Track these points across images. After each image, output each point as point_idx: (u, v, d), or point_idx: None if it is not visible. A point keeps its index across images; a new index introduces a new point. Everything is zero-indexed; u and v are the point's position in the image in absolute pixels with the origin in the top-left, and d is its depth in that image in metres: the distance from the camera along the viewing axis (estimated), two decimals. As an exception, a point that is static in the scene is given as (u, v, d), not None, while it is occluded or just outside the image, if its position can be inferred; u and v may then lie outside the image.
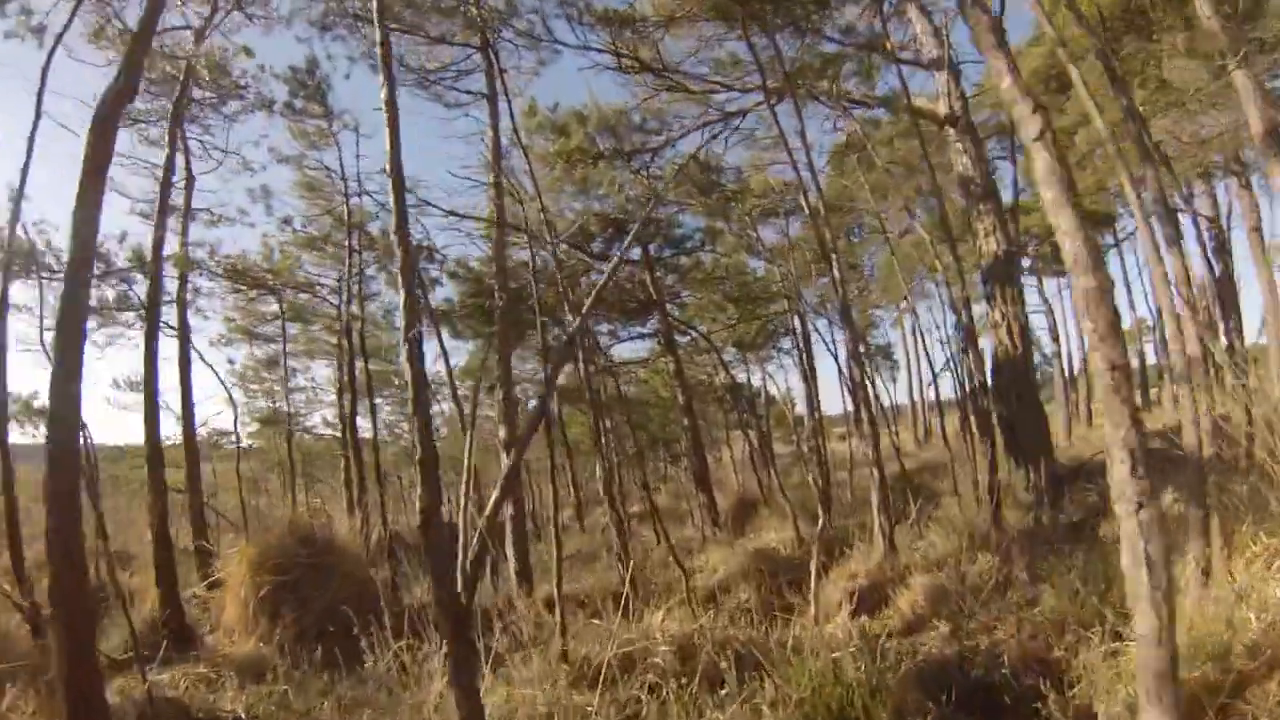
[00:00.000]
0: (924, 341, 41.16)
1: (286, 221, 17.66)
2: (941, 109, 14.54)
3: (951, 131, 14.42)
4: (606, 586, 11.23)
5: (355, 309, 17.27)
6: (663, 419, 26.74)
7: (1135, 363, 39.23)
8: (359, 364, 17.01)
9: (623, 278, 19.27)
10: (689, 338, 21.61)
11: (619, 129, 16.32)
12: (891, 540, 9.41)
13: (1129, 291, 36.68)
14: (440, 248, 17.46)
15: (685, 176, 16.55)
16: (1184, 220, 35.23)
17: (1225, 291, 32.43)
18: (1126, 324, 36.82)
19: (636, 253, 18.89)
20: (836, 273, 11.24)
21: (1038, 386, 14.37)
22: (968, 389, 14.44)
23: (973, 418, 13.51)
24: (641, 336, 20.98)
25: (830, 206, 19.58)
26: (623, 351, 23.51)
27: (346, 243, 16.53)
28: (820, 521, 10.66)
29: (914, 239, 34.24)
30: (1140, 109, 23.52)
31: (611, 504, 10.96)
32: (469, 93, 14.69)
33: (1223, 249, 32.25)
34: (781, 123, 12.56)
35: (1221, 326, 33.66)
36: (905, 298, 42.83)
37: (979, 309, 17.20)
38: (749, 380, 30.69)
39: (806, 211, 13.07)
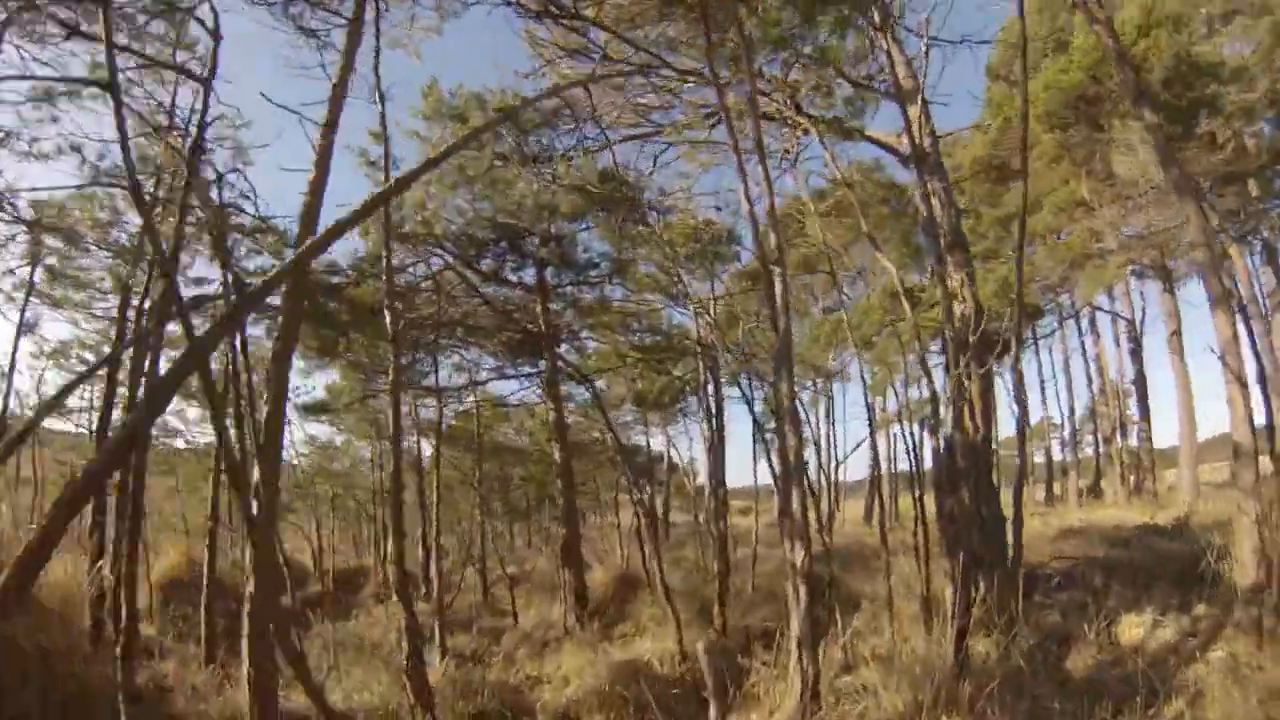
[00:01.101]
0: (832, 420, 39.65)
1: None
2: (905, 145, 12.54)
3: (914, 171, 12.28)
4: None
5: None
6: (544, 474, 23.39)
7: (1041, 459, 38.40)
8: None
9: (511, 304, 16.23)
10: (584, 388, 18.62)
11: (525, 121, 13.54)
12: (815, 688, 6.35)
13: (1042, 390, 35.61)
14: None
15: (594, 187, 13.71)
16: (1103, 319, 35.56)
17: (1139, 392, 32.36)
18: (1035, 419, 36.00)
19: (531, 275, 15.93)
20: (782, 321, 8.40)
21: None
22: (912, 473, 11.86)
23: (916, 507, 10.96)
24: (529, 376, 17.75)
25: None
26: (507, 390, 20.16)
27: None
28: (708, 639, 7.57)
29: (834, 317, 33.03)
30: (1087, 197, 22.81)
31: (400, 588, 7.55)
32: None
33: (1138, 351, 32.07)
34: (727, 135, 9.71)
35: (1134, 428, 33.41)
36: (826, 376, 42.00)
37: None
38: (648, 443, 27.68)
39: (748, 248, 10.41)
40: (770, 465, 15.59)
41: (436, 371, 15.70)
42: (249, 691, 7.39)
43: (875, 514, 31.35)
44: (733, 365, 15.64)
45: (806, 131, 13.59)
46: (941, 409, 12.30)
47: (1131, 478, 31.02)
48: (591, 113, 12.91)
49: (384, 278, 8.64)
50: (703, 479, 25.05)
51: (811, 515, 13.10)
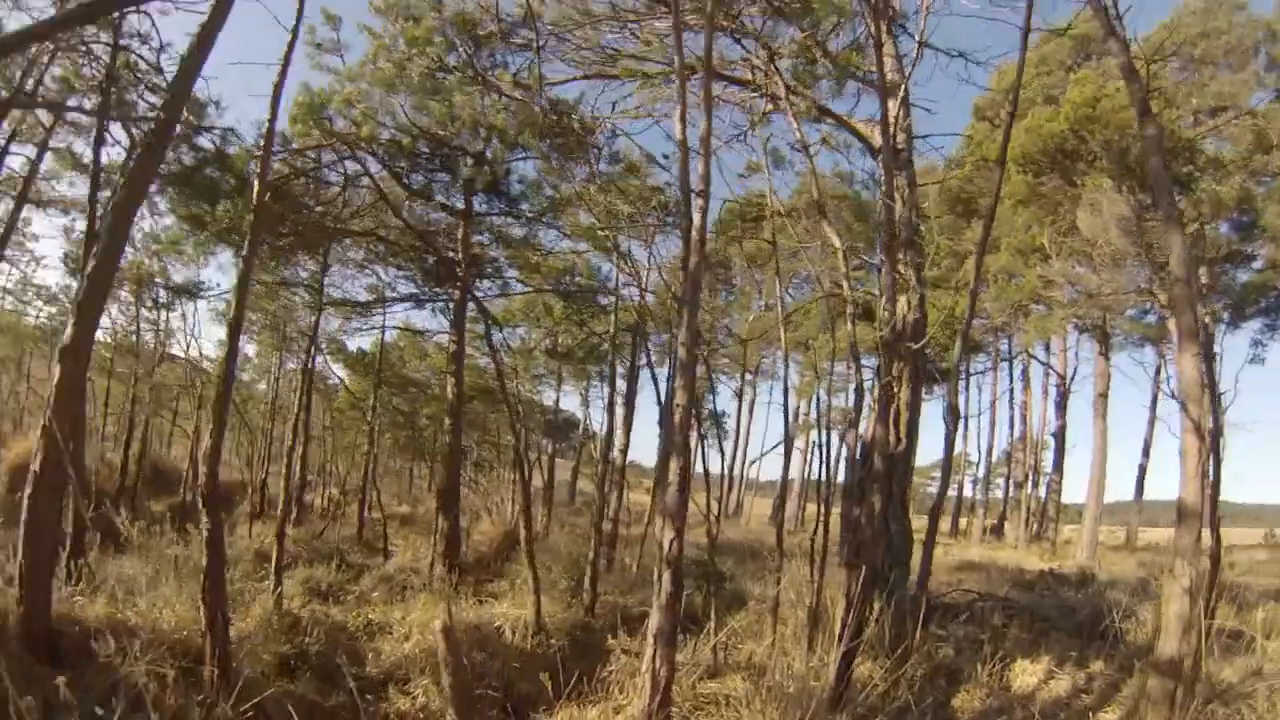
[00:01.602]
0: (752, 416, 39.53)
1: None
2: (878, 139, 11.66)
3: (879, 165, 11.47)
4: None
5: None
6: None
7: (951, 492, 38.76)
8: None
9: (433, 227, 14.95)
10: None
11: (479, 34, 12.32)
12: (666, 691, 5.38)
13: (965, 425, 36.06)
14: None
15: (541, 112, 12.52)
16: (1036, 370, 35.98)
17: (1057, 445, 32.97)
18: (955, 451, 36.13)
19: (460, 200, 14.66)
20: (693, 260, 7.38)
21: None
22: (822, 480, 11.14)
23: (820, 509, 10.24)
24: (439, 301, 16.43)
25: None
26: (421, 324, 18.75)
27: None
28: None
29: (771, 314, 32.66)
30: (1046, 245, 22.71)
31: (209, 494, 6.32)
32: None
33: (1063, 405, 32.58)
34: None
35: (1045, 479, 33.97)
36: (755, 371, 41.69)
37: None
38: (557, 401, 26.55)
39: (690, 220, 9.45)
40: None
41: (323, 273, 14.24)
42: (18, 588, 6.30)
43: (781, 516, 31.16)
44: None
45: (775, 98, 12.65)
46: (865, 409, 11.63)
47: (1035, 525, 31.43)
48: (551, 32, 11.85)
49: (263, 144, 7.32)
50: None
51: (702, 500, 12.37)
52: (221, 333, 24.49)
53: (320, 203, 12.41)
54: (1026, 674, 8.72)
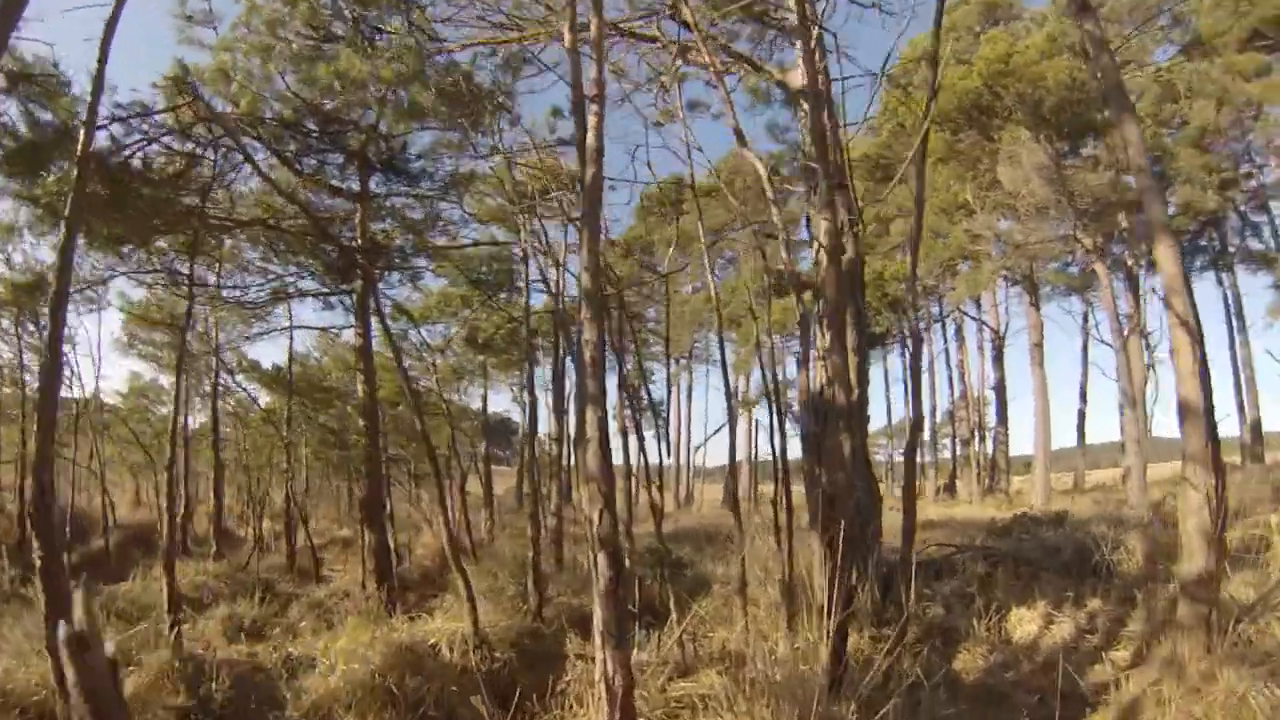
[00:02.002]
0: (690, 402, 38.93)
1: None
2: (797, 80, 11.41)
3: (804, 107, 10.77)
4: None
5: None
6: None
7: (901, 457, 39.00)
8: None
9: (330, 214, 13.67)
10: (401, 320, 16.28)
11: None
12: (625, 701, 4.37)
13: (905, 390, 35.95)
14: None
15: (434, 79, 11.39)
16: (970, 327, 36.06)
17: (999, 399, 33.11)
18: (897, 419, 36.25)
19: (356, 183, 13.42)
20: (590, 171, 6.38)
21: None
22: (774, 447, 10.42)
23: (777, 469, 9.49)
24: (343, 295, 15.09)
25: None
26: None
27: None
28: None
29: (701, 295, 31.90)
30: (970, 201, 22.73)
31: (37, 518, 5.16)
32: None
33: (1000, 359, 32.68)
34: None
35: (991, 433, 33.99)
36: (689, 356, 40.95)
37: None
38: (485, 400, 25.29)
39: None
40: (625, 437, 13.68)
41: (219, 274, 12.88)
42: None
43: (754, 495, 30.66)
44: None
45: (686, 49, 11.77)
46: (812, 366, 10.98)
47: (986, 479, 31.43)
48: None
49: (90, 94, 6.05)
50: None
51: (648, 493, 11.49)
52: (130, 363, 22.74)
53: (195, 188, 10.95)
54: (1025, 622, 8.00)
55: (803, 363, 11.52)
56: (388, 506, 16.16)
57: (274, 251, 14.19)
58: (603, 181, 5.54)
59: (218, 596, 12.09)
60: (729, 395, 11.82)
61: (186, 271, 11.76)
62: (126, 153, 9.53)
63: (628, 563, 11.63)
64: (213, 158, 11.14)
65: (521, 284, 15.80)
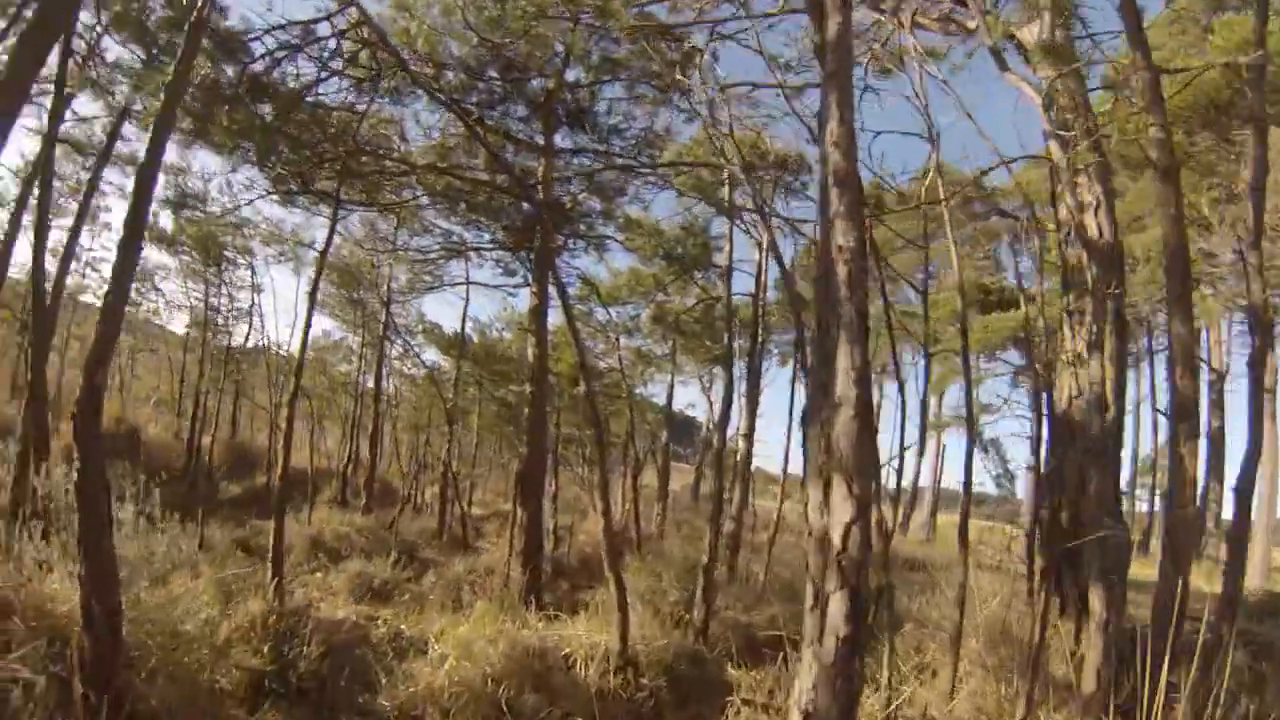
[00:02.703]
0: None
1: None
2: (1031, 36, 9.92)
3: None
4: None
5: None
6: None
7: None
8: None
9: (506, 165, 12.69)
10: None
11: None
12: None
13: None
14: None
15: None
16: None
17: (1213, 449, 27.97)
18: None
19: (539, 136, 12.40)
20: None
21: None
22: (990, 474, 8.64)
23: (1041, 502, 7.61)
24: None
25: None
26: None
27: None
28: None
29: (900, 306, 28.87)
30: (1205, 213, 18.89)
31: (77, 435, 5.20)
32: None
33: (1220, 404, 27.62)
34: None
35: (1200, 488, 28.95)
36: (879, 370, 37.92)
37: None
38: (670, 392, 23.79)
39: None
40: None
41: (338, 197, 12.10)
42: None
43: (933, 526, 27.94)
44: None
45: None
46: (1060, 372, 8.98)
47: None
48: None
49: None
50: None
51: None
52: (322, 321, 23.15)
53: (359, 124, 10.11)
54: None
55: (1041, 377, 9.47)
56: (551, 486, 15.16)
57: (450, 205, 13.39)
58: (851, 33, 3.96)
59: (357, 550, 11.43)
60: (925, 414, 9.89)
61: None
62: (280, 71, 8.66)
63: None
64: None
65: (720, 264, 14.40)
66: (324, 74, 8.69)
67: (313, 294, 8.43)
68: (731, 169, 10.74)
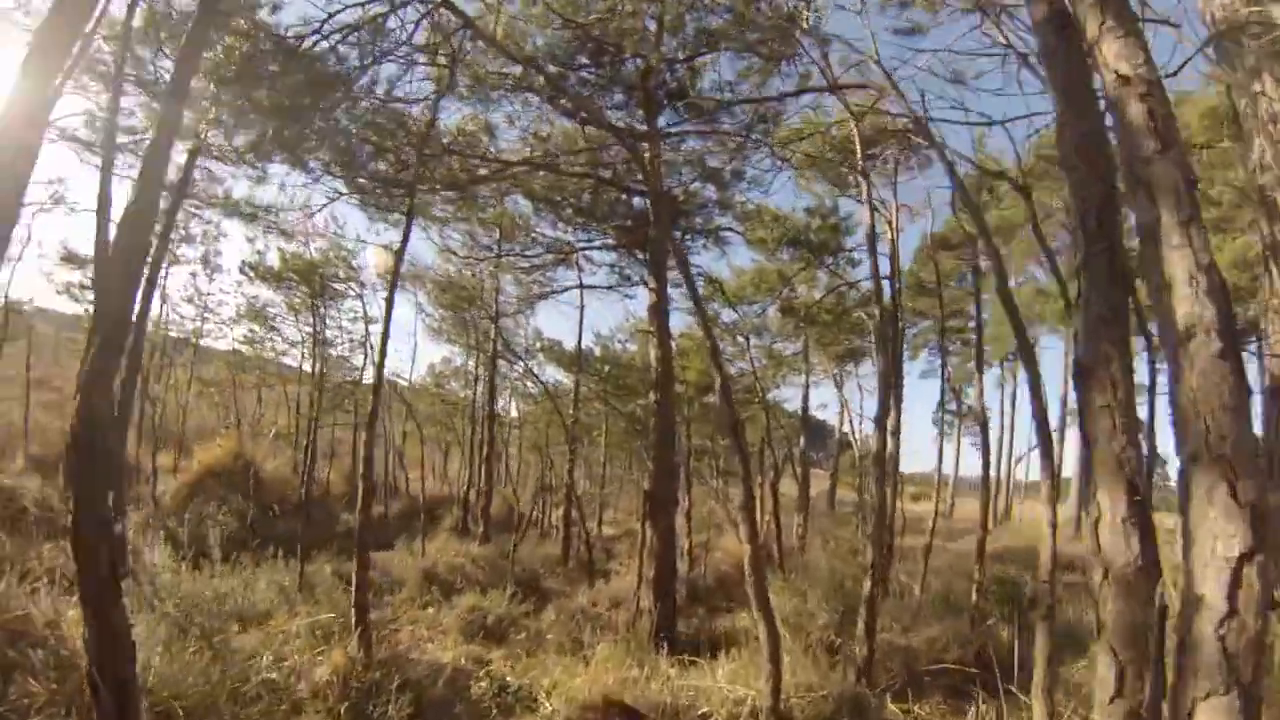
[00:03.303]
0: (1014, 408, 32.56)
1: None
2: None
3: None
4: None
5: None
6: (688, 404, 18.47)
7: None
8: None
9: (609, 158, 11.69)
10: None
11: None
12: None
13: None
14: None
15: None
16: None
17: None
18: None
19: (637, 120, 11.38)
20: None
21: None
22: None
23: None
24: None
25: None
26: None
27: None
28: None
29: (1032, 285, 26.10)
30: None
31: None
32: None
33: None
34: None
35: None
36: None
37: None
38: (805, 397, 22.13)
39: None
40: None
41: (411, 202, 11.35)
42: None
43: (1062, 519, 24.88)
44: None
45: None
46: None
47: None
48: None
49: None
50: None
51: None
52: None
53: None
54: None
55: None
56: (682, 502, 14.02)
57: (553, 209, 12.50)
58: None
59: (472, 583, 10.59)
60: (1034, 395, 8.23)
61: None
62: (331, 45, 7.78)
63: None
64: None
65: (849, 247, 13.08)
66: (383, 56, 7.79)
67: (389, 298, 7.56)
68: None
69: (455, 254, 13.50)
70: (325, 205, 10.05)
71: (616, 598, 10.76)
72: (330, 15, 7.31)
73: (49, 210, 14.73)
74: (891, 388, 11.69)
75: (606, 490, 21.70)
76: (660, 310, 11.21)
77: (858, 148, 9.56)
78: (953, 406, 25.74)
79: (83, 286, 17.15)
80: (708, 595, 12.58)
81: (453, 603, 9.53)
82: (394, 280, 7.83)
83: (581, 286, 14.62)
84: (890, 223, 12.58)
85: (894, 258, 12.80)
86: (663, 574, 10.42)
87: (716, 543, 16.04)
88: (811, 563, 13.01)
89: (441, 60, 8.47)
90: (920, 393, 54.82)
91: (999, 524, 27.40)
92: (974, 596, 9.26)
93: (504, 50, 8.53)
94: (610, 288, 14.50)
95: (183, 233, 16.89)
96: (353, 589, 6.51)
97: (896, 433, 11.94)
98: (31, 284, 79.43)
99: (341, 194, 9.26)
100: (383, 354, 7.15)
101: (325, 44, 7.21)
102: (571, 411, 15.79)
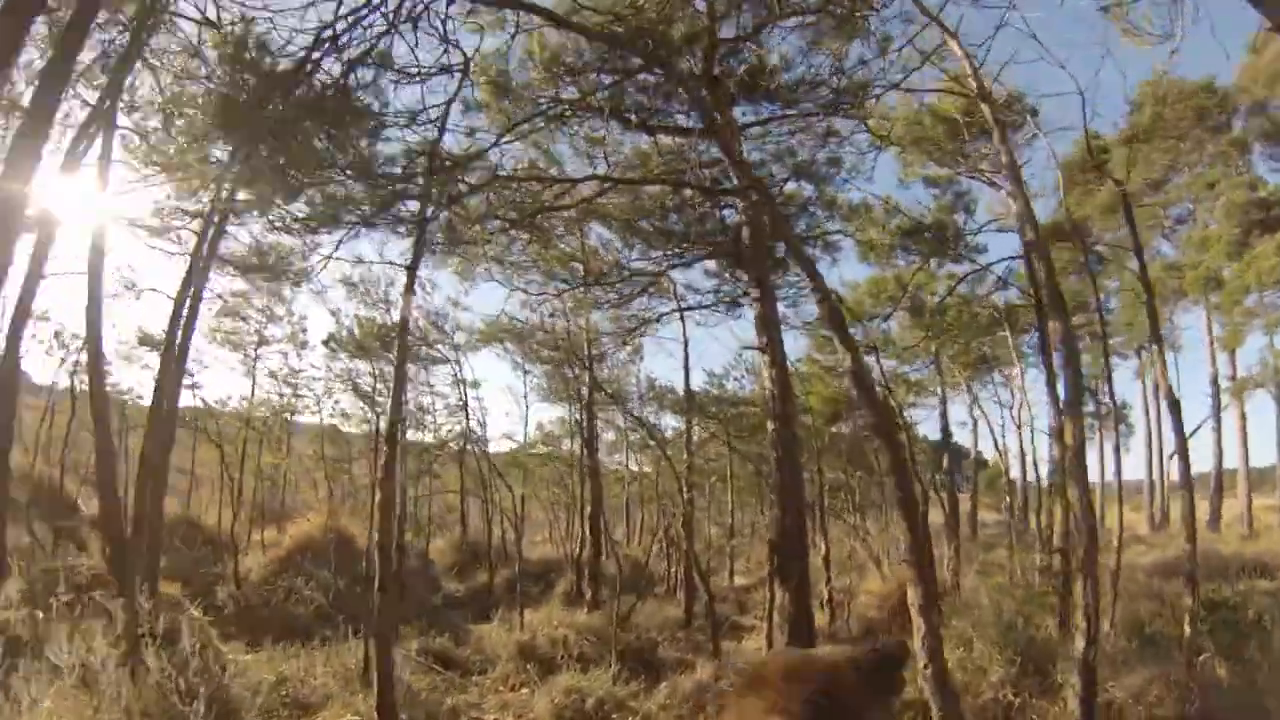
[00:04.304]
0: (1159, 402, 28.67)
1: None
2: None
3: None
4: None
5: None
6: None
7: None
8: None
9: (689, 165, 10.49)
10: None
11: None
12: None
13: None
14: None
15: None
16: None
17: None
18: None
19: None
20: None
21: None
22: None
23: None
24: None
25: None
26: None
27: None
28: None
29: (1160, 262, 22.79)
30: None
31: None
32: None
33: None
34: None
35: None
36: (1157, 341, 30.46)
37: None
38: (944, 418, 19.95)
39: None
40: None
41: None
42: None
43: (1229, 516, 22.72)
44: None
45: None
46: None
47: None
48: None
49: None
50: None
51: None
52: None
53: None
54: None
55: None
56: (818, 546, 12.55)
57: (636, 232, 11.40)
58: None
59: (574, 658, 9.32)
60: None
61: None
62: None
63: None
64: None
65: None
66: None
67: (401, 342, 6.50)
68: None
69: (527, 292, 12.42)
70: (339, 244, 9.16)
71: (744, 667, 9.25)
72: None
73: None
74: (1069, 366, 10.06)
75: (736, 541, 20.09)
76: (768, 321, 9.80)
77: (988, 114, 7.95)
78: (1091, 407, 22.94)
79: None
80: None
81: (549, 682, 8.23)
82: (403, 322, 6.77)
83: (680, 310, 13.25)
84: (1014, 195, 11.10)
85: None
86: (798, 635, 8.94)
87: (859, 586, 14.25)
88: (972, 601, 11.28)
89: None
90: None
91: (1156, 529, 24.21)
92: (1186, 628, 7.34)
93: (562, 22, 7.57)
94: (708, 307, 13.16)
95: (269, 313, 16.80)
96: (374, 688, 5.31)
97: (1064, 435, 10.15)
98: None
99: (356, 223, 8.36)
100: (396, 400, 6.12)
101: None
102: (685, 456, 14.47)
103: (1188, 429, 8.23)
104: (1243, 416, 23.67)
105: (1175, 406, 8.67)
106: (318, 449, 21.29)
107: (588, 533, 14.44)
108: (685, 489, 13.40)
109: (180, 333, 8.24)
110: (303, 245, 10.51)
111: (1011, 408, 21.08)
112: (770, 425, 9.99)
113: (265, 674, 7.67)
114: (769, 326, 9.83)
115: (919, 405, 21.66)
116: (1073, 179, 17.39)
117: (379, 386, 16.15)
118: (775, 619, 9.18)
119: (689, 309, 13.38)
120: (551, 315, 13.83)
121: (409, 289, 6.82)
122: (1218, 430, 23.15)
